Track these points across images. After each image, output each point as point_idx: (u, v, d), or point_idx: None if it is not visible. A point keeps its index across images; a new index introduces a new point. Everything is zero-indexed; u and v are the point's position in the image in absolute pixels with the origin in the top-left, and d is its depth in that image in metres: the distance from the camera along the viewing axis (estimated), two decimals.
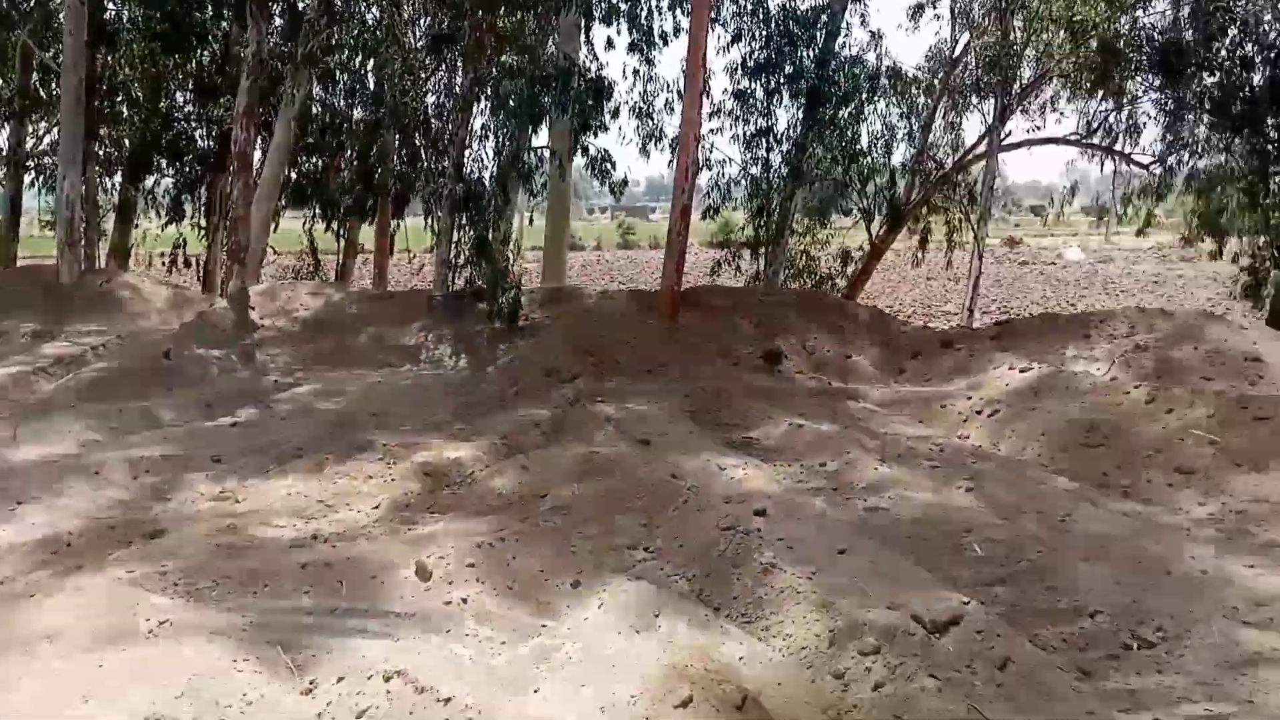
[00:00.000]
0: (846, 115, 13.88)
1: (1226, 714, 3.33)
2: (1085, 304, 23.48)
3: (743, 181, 14.21)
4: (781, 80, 13.51)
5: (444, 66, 16.26)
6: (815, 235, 15.60)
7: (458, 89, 14.26)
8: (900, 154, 16.21)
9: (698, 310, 11.00)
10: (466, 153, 12.32)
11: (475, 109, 12.64)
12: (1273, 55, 11.77)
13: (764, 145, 13.76)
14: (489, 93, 11.99)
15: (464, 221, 11.78)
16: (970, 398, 7.86)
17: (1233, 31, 12.07)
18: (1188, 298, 25.19)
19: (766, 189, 13.57)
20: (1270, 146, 12.11)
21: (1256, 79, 11.95)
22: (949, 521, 5.11)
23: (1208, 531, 5.23)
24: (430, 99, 17.02)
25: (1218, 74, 12.29)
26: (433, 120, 16.74)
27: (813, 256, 15.39)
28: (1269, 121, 11.89)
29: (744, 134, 13.98)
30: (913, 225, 16.80)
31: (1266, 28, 11.97)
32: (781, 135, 13.61)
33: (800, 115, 13.49)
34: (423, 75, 16.67)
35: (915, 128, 15.92)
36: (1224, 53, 12.14)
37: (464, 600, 4.27)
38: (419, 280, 20.47)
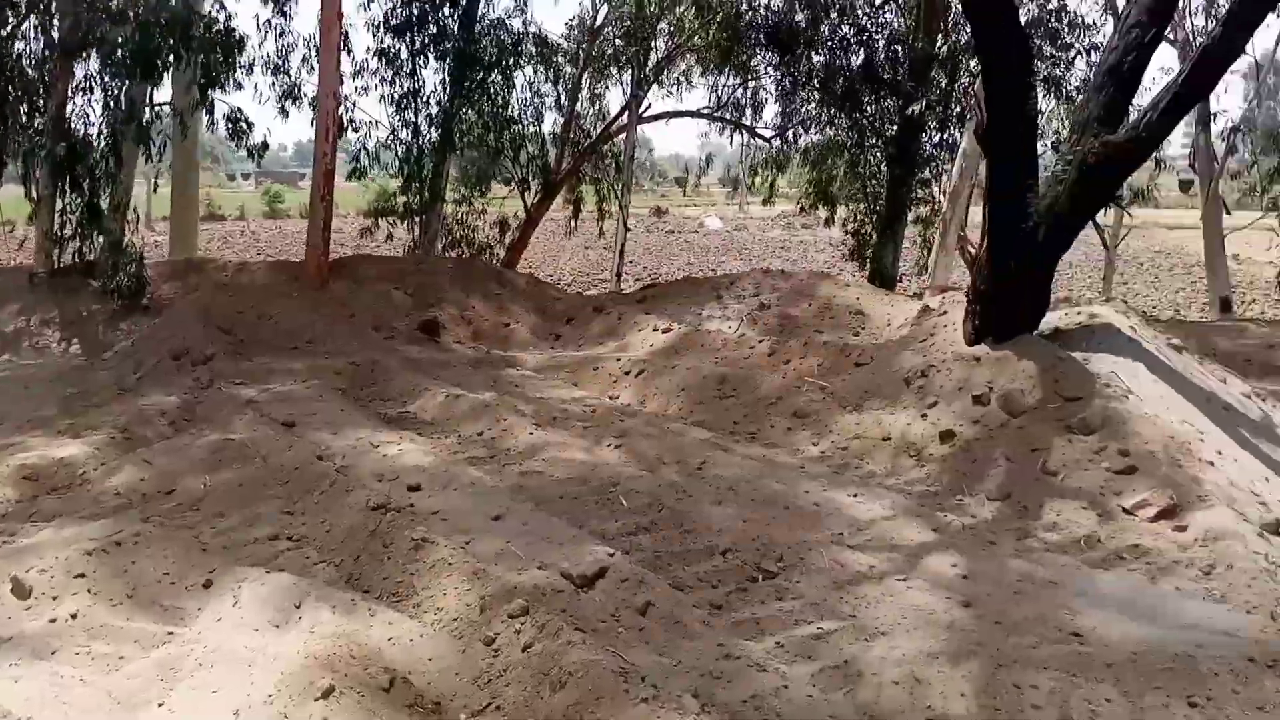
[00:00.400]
0: (495, 81, 13.87)
1: (833, 629, 3.74)
2: (723, 268, 25.42)
3: (394, 146, 13.78)
4: (427, 41, 13.20)
5: (39, 6, 14.16)
6: (473, 203, 15.49)
7: (55, 33, 12.48)
8: (550, 123, 16.51)
9: (349, 281, 10.55)
10: (70, 108, 10.85)
11: (81, 57, 11.14)
12: (865, 38, 13.33)
13: (413, 109, 13.41)
14: (94, 38, 10.61)
15: (69, 187, 10.38)
16: (619, 359, 8.22)
17: (834, 15, 13.49)
18: (809, 260, 28.12)
19: (418, 154, 13.24)
20: (866, 122, 13.73)
21: (854, 60, 13.48)
22: (598, 478, 5.30)
23: (820, 468, 5.85)
24: (22, 45, 14.77)
25: (823, 54, 13.69)
26: (28, 69, 14.54)
27: (470, 225, 15.28)
28: (865, 99, 13.45)
29: (391, 96, 13.54)
30: (567, 195, 17.20)
31: (860, 13, 13.52)
32: (429, 98, 13.34)
33: (448, 79, 13.28)
34: (10, 15, 14.39)
35: (563, 96, 16.25)
36: (827, 34, 13.54)
37: (73, 616, 3.77)
38: (21, 257, 17.78)
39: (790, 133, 16.30)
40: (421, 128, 13.19)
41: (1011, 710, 3.18)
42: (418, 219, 13.48)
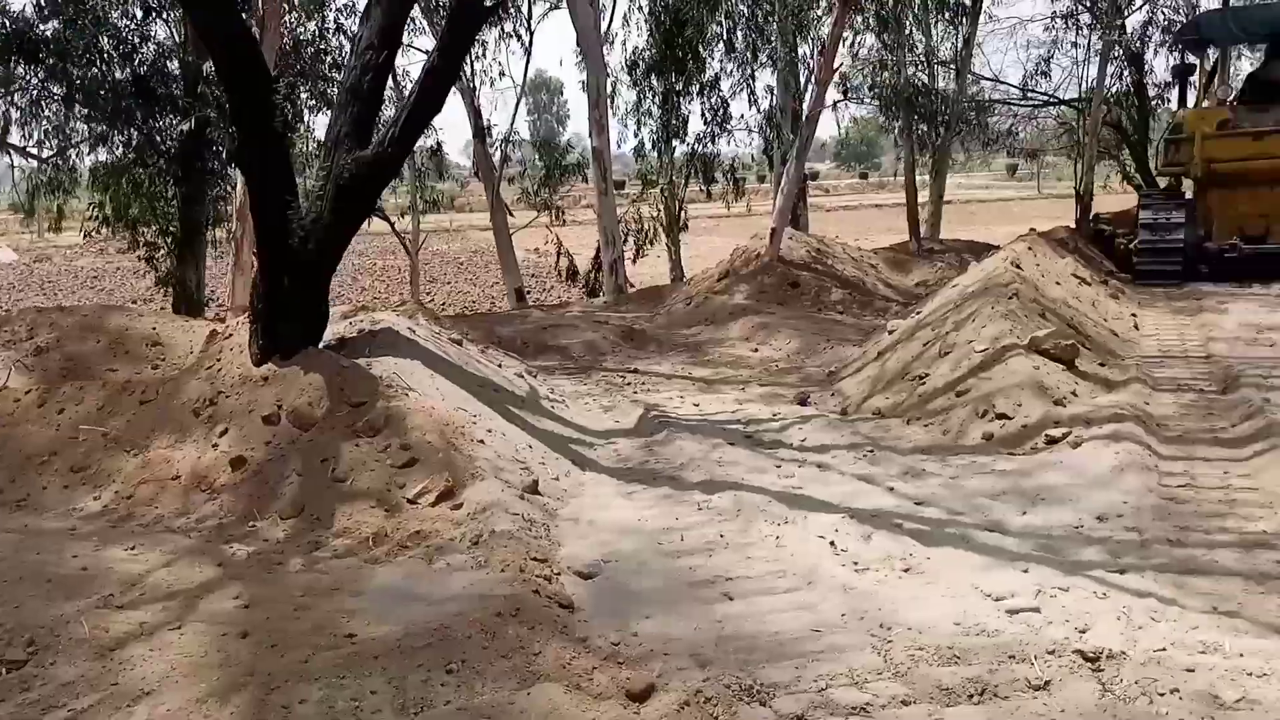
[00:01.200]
0: None
1: (87, 706, 3.36)
2: (24, 308, 21.86)
3: None
4: None
5: None
6: None
7: None
8: None
9: None
10: None
11: None
12: (130, 51, 12.31)
13: None
14: None
15: None
16: None
17: (90, 25, 12.19)
18: (128, 289, 25.55)
19: None
20: (145, 139, 12.72)
21: (122, 74, 12.35)
22: None
23: (97, 525, 5.27)
24: None
25: (82, 66, 12.31)
26: None
27: None
28: (140, 115, 12.43)
29: None
30: None
31: (121, 26, 12.45)
32: None
33: None
34: None
35: None
36: (84, 46, 12.20)
37: None
38: None
39: (73, 153, 14.56)
40: None
41: None
42: None
